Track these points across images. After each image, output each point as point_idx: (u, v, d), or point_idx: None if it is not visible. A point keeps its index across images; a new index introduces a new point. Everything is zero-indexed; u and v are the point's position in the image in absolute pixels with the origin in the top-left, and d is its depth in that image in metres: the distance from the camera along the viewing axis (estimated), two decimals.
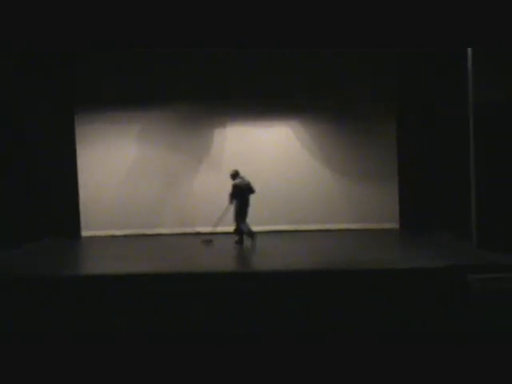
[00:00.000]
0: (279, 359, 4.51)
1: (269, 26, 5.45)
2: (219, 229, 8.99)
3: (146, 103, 9.49)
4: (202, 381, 4.33)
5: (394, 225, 9.31)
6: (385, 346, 4.62)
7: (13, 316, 5.43)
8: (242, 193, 8.18)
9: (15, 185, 8.36)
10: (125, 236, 9.42)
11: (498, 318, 4.89)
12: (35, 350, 4.69)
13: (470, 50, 7.12)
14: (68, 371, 4.42)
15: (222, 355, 4.60)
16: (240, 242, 8.20)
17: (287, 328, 5.24)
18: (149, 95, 9.45)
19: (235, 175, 8.30)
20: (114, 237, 9.35)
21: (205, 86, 9.41)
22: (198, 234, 9.41)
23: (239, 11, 5.34)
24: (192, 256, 7.62)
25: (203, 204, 9.50)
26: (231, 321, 5.34)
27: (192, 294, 5.69)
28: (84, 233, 9.44)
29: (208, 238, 8.52)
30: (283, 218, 9.46)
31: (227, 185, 9.06)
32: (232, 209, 8.30)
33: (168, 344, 4.87)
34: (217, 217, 8.93)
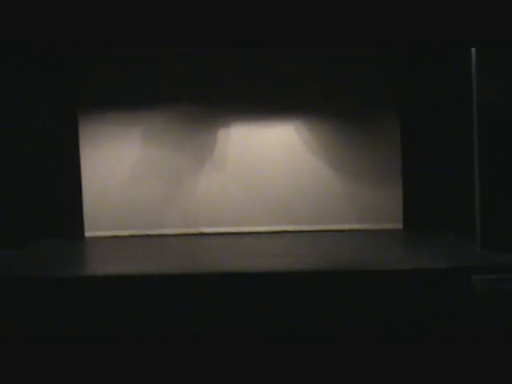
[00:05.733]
0: (280, 360, 4.51)
1: (270, 26, 5.44)
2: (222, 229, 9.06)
3: (149, 104, 9.48)
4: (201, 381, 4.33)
5: (397, 225, 9.28)
6: (387, 346, 4.61)
7: (13, 316, 5.44)
8: None
9: (18, 185, 8.37)
10: (128, 236, 9.41)
11: (501, 319, 4.88)
12: (35, 351, 4.70)
13: (473, 50, 7.07)
14: (68, 372, 4.42)
15: (222, 356, 4.60)
16: None
17: (287, 329, 5.24)
18: (152, 96, 9.45)
19: None
20: (116, 237, 9.36)
21: (207, 87, 9.41)
22: (202, 234, 9.42)
23: (239, 11, 5.34)
24: (192, 257, 7.62)
25: (207, 204, 9.50)
26: (231, 322, 5.34)
27: (191, 295, 5.69)
28: (88, 233, 9.44)
29: None
30: (286, 219, 9.44)
31: (231, 185, 9.11)
32: None
33: (169, 345, 4.87)
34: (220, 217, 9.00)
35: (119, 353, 4.60)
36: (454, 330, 4.88)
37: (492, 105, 6.98)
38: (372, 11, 5.29)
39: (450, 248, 7.45)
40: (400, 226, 9.30)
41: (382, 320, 5.46)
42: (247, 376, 4.30)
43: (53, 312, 5.60)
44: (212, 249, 8.18)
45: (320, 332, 5.33)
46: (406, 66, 9.14)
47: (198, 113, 9.53)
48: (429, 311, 5.52)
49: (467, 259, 6.58)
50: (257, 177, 9.46)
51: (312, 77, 9.37)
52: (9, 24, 5.23)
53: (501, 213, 7.00)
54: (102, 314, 5.57)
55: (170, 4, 5.29)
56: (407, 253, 7.71)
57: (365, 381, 4.20)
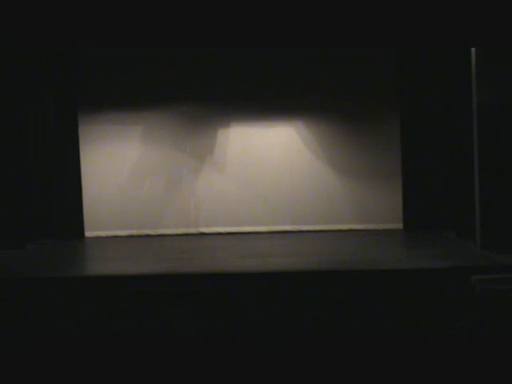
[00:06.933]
0: (280, 360, 4.51)
1: (270, 26, 5.44)
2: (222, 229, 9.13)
3: (149, 104, 9.50)
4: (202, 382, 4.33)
5: (397, 225, 9.29)
6: (387, 346, 4.61)
7: (13, 316, 5.44)
8: None
9: (18, 185, 8.37)
10: (128, 236, 9.43)
11: (501, 319, 4.87)
12: (35, 351, 4.70)
13: (473, 50, 7.07)
14: (68, 372, 4.42)
15: (222, 356, 4.59)
16: None
17: (288, 329, 5.23)
18: (152, 96, 9.47)
19: None
20: (116, 237, 9.37)
21: (207, 87, 9.43)
22: (202, 234, 9.43)
23: (240, 12, 5.33)
24: (192, 257, 7.62)
25: (206, 204, 9.51)
26: (231, 321, 5.33)
27: (191, 295, 5.69)
28: (87, 233, 9.44)
29: None
30: (286, 219, 9.46)
31: (231, 185, 9.12)
32: None
33: (169, 346, 4.87)
34: (220, 217, 9.06)
35: (119, 353, 4.60)
36: (454, 329, 4.87)
37: (492, 105, 6.98)
38: (372, 11, 5.28)
39: (449, 248, 7.45)
40: (400, 226, 9.31)
41: (381, 320, 5.45)
42: (247, 376, 4.30)
43: (53, 312, 5.59)
44: (212, 249, 8.18)
45: (320, 332, 5.33)
46: (407, 67, 9.15)
47: (198, 113, 9.54)
48: (429, 311, 5.51)
49: (467, 259, 6.58)
50: (257, 177, 9.47)
51: (312, 77, 9.38)
52: (9, 24, 5.23)
53: (501, 213, 6.99)
54: (101, 314, 5.57)
55: (170, 4, 5.29)
56: (407, 253, 7.72)
57: (365, 381, 4.20)
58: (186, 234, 9.48)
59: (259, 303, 5.58)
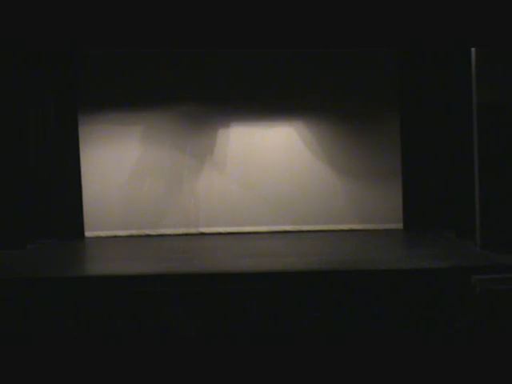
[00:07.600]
0: (280, 360, 4.50)
1: (270, 26, 5.44)
2: (222, 229, 9.14)
3: (149, 104, 9.50)
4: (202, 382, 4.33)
5: (397, 225, 9.29)
6: (387, 346, 4.60)
7: (13, 316, 5.44)
8: None
9: (18, 185, 8.37)
10: (128, 236, 9.43)
11: (501, 319, 4.87)
12: (35, 351, 4.70)
13: (473, 50, 7.08)
14: (68, 372, 4.42)
15: (222, 357, 4.59)
16: None
17: (288, 329, 5.23)
18: (152, 96, 9.47)
19: None
20: (116, 237, 9.37)
21: (207, 87, 9.43)
22: (202, 234, 9.44)
23: (240, 12, 5.33)
24: (192, 257, 7.62)
25: (206, 205, 9.51)
26: (231, 321, 5.33)
27: (191, 295, 5.69)
28: (87, 233, 9.44)
29: None
30: (286, 219, 9.46)
31: (231, 185, 9.11)
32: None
33: (169, 346, 4.87)
34: (220, 217, 9.08)
35: (119, 353, 4.60)
36: (454, 329, 4.87)
37: (492, 105, 6.99)
38: (372, 11, 5.28)
39: (449, 248, 7.45)
40: (400, 226, 9.31)
41: (381, 320, 5.45)
42: (247, 376, 4.30)
43: (53, 312, 5.60)
44: (212, 249, 8.18)
45: (320, 332, 5.33)
46: (407, 67, 9.15)
47: (198, 113, 9.55)
48: (429, 311, 5.51)
49: (467, 259, 6.58)
50: (257, 177, 9.48)
51: (312, 77, 9.38)
52: (9, 24, 5.23)
53: (501, 213, 7.00)
54: (101, 314, 5.57)
55: (170, 4, 5.29)
56: (407, 253, 7.72)
57: (365, 381, 4.20)
58: (186, 234, 9.48)
59: (259, 303, 5.58)
